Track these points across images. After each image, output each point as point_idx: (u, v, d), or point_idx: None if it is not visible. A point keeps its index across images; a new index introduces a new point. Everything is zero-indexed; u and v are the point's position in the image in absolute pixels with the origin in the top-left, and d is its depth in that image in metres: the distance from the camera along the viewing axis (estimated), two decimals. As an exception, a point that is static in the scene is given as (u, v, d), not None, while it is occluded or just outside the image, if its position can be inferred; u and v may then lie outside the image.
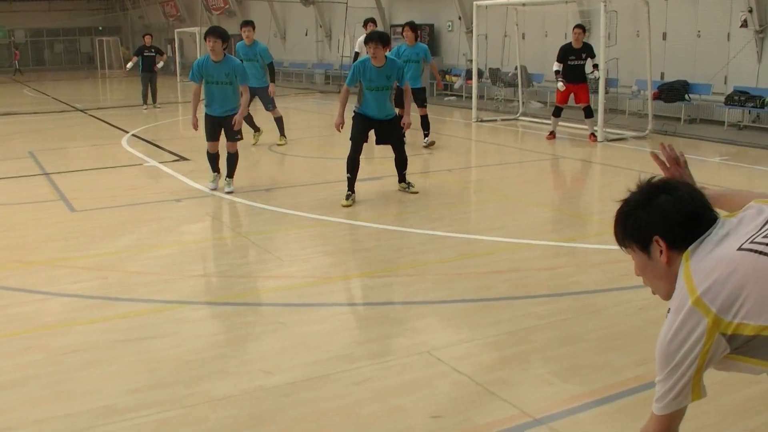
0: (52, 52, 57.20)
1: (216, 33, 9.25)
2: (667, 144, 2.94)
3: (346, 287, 6.18)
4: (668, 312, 2.22)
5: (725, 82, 15.79)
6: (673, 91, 16.18)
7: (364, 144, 9.26)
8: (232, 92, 9.43)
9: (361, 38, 14.20)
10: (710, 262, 2.16)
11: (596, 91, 14.74)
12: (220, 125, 9.48)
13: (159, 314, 5.48)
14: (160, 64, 21.25)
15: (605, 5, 13.55)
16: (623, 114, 17.33)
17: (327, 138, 15.72)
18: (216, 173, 9.79)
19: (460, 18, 23.41)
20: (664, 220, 2.27)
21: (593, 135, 13.99)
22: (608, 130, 14.35)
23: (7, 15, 52.49)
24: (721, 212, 2.41)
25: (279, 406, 4.04)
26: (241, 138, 9.69)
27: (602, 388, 4.19)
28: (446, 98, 22.47)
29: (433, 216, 8.40)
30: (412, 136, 12.60)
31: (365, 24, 14.42)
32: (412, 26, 13.18)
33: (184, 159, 12.31)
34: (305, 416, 3.95)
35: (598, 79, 14.09)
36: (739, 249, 2.15)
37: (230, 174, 9.65)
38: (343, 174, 8.99)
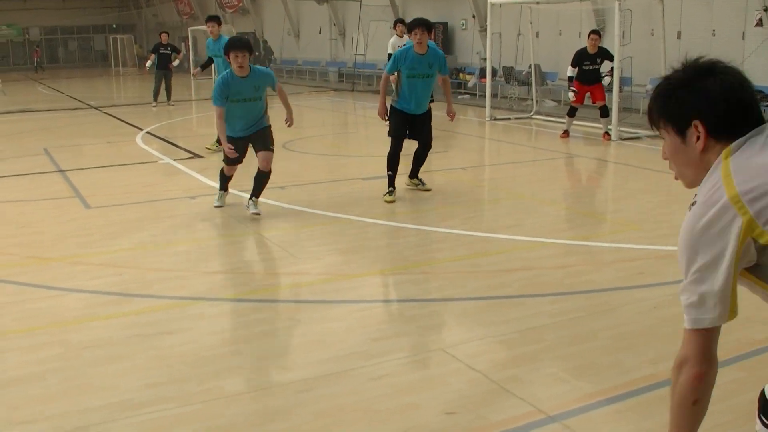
0: (66, 50, 57.44)
1: (243, 45, 7.93)
2: None
3: (361, 284, 6.20)
4: (692, 205, 2.08)
5: (740, 81, 15.71)
6: (687, 90, 16.10)
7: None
8: (261, 107, 8.17)
9: (394, 38, 14.48)
10: (754, 166, 2.00)
11: (610, 90, 14.71)
12: (247, 143, 8.25)
13: (175, 310, 5.52)
14: (176, 63, 21.28)
15: (619, 4, 13.52)
16: (637, 113, 17.27)
17: (341, 135, 15.77)
18: (224, 192, 8.72)
19: (474, 16, 23.40)
20: (709, 104, 2.09)
21: (607, 134, 13.97)
22: (622, 128, 14.32)
23: (22, 13, 52.75)
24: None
25: (295, 402, 4.07)
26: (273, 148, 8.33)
27: (615, 386, 4.20)
28: (459, 96, 22.45)
29: (447, 214, 8.42)
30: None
31: (395, 25, 14.75)
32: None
33: (198, 156, 12.37)
34: (321, 412, 3.98)
35: (609, 84, 14.05)
36: None
37: (258, 193, 8.26)
38: (358, 172, 9.02)
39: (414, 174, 9.53)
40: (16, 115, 20.33)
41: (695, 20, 16.64)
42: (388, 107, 9.15)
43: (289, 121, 8.44)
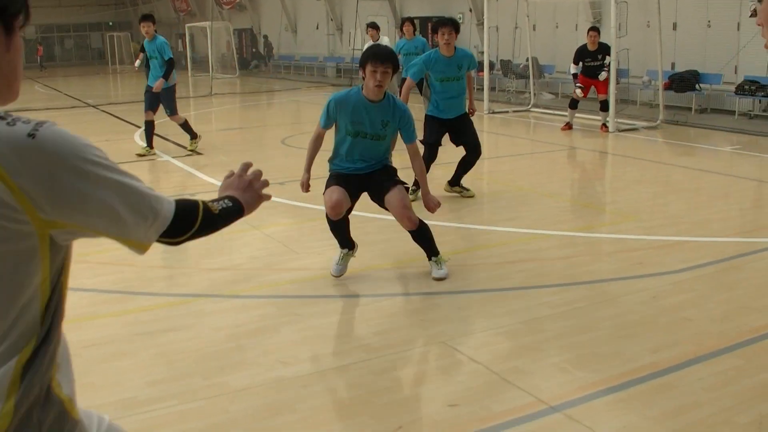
0: (63, 48, 57.35)
1: (386, 56, 5.58)
2: None
3: (362, 279, 6.22)
4: None
5: (735, 72, 15.75)
6: (683, 81, 16.15)
7: None
8: (386, 147, 5.98)
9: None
10: None
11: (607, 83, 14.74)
12: (362, 185, 6.00)
13: (177, 307, 5.54)
14: None
15: (616, -5, 13.54)
16: (634, 104, 17.31)
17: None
18: (348, 249, 6.16)
19: (471, 10, 23.41)
20: None
21: (605, 126, 14.01)
22: (620, 120, 14.35)
23: (18, 11, 52.58)
24: None
25: (298, 396, 4.09)
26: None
27: (616, 375, 4.23)
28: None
29: (447, 207, 8.42)
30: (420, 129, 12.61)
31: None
32: (411, 20, 13.66)
33: (197, 153, 12.37)
34: (324, 406, 4.01)
35: (605, 79, 14.08)
36: None
37: (433, 249, 6.10)
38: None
39: (456, 181, 8.93)
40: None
41: (691, 11, 16.66)
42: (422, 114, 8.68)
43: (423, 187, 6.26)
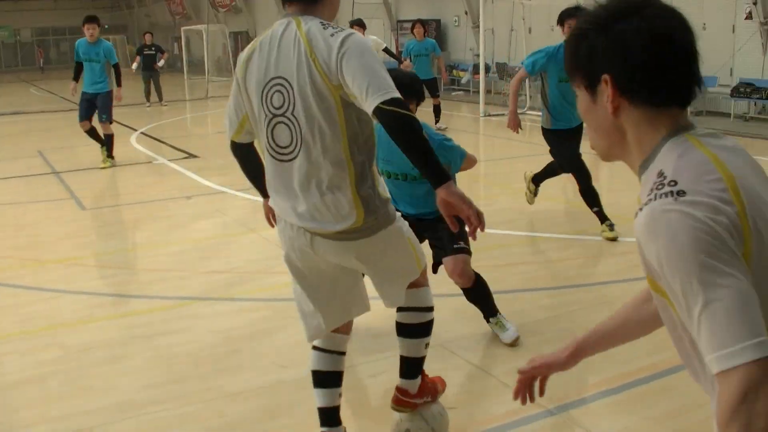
0: (59, 51, 57.22)
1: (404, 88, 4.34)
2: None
3: (358, 282, 6.19)
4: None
5: (731, 74, 15.77)
6: (679, 84, 16.16)
7: None
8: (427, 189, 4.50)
9: (375, 36, 13.95)
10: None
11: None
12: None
13: (173, 310, 5.52)
14: (161, 63, 21.21)
15: (612, -2, 13.54)
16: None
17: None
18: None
19: (466, 13, 23.40)
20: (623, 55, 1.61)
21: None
22: (616, 122, 14.36)
23: (14, 14, 52.59)
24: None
25: (295, 399, 4.08)
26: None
27: (614, 377, 4.21)
28: (453, 93, 22.46)
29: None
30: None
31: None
32: (422, 22, 13.71)
33: (194, 156, 12.35)
34: (321, 409, 3.98)
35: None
36: None
37: (491, 308, 4.90)
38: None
39: (602, 217, 7.23)
40: (10, 117, 20.27)
41: (686, 14, 16.57)
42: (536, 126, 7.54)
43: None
